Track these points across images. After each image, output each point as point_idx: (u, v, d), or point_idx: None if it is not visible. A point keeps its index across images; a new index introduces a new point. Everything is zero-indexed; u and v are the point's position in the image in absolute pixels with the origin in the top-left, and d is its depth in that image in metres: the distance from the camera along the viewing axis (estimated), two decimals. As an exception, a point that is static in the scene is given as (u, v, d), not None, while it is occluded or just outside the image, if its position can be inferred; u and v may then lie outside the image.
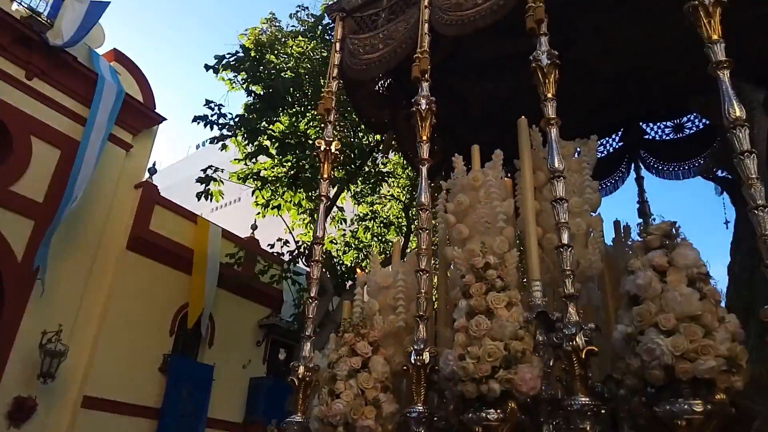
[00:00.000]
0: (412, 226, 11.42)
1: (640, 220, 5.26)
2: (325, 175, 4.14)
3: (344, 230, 13.43)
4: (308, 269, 12.72)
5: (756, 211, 2.70)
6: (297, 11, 12.15)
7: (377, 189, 13.00)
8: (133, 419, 11.09)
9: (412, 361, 3.11)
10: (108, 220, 11.41)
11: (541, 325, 3.14)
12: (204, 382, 12.29)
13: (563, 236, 3.06)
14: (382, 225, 13.35)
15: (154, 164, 12.52)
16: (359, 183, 12.62)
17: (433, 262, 3.82)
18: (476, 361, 2.81)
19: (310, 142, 11.85)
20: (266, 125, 11.85)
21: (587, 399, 2.72)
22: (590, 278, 3.49)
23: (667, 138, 5.83)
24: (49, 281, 9.77)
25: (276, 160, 12.27)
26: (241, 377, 13.16)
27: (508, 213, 3.45)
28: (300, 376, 3.43)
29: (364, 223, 13.23)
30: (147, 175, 12.35)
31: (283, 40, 12.20)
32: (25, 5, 10.54)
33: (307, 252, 12.44)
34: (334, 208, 12.70)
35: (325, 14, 9.33)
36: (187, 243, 12.51)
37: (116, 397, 10.82)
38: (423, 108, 3.69)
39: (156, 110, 12.45)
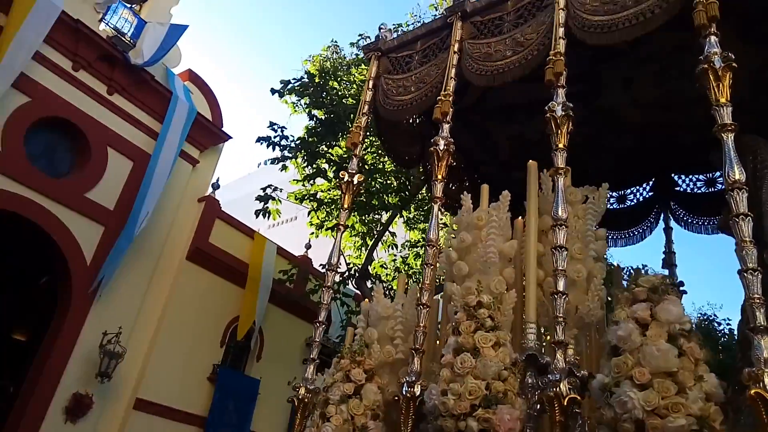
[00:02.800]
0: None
1: (665, 271, 5.24)
2: (345, 205, 4.48)
3: (395, 255, 13.73)
4: (357, 291, 13.17)
5: (746, 274, 2.78)
6: (358, 40, 12.73)
7: (430, 216, 13.24)
8: (180, 425, 11.65)
9: (403, 393, 3.34)
10: (171, 230, 12.20)
11: (531, 368, 3.29)
12: (250, 395, 12.79)
13: (559, 284, 3.23)
14: (433, 252, 13.52)
15: (217, 180, 13.32)
16: (412, 209, 12.92)
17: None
18: (457, 398, 3.02)
19: (367, 167, 12.33)
20: (325, 149, 12.46)
21: (565, 446, 2.86)
22: (588, 325, 3.60)
23: (699, 191, 5.81)
24: (113, 284, 10.56)
25: (333, 183, 12.82)
26: (285, 394, 13.51)
27: (510, 254, 3.63)
28: (300, 397, 3.73)
29: (415, 249, 13.49)
30: (210, 189, 13.17)
31: (345, 67, 12.80)
32: (111, 26, 11.63)
33: (357, 274, 12.86)
34: (386, 233, 13.04)
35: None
36: (243, 257, 13.18)
37: (166, 402, 11.43)
38: (441, 148, 3.97)
39: (223, 129, 13.30)
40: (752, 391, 2.44)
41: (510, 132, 5.30)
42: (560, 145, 3.47)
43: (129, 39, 11.81)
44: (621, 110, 4.96)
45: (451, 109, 4.09)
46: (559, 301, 3.13)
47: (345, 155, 12.83)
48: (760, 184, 3.67)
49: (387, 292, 12.95)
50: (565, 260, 3.21)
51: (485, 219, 3.68)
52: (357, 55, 13.07)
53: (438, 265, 4.04)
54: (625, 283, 3.98)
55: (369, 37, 13.07)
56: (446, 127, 4.05)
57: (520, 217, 3.97)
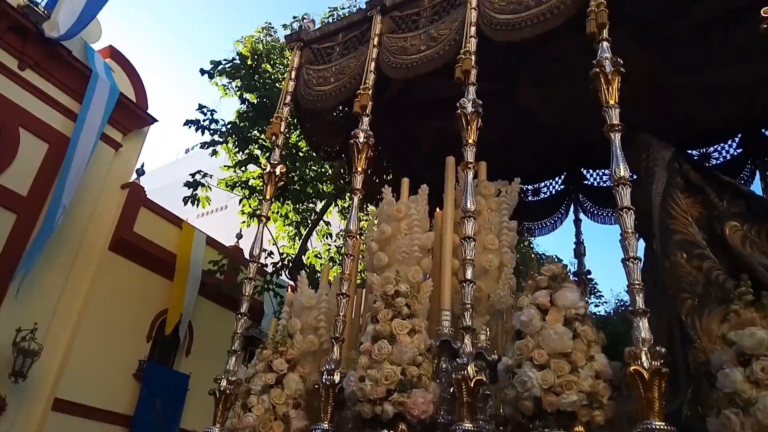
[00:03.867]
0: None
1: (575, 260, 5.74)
2: (267, 196, 4.66)
3: (330, 245, 13.92)
4: (291, 282, 13.31)
5: (628, 262, 3.16)
6: (292, 23, 12.75)
7: (365, 206, 13.52)
8: (104, 426, 11.49)
9: (323, 380, 3.59)
10: (92, 218, 11.91)
11: (444, 353, 3.60)
12: (179, 391, 12.74)
13: (467, 272, 3.54)
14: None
15: (142, 165, 13.11)
16: (347, 198, 13.14)
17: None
18: (374, 383, 3.29)
19: (301, 154, 12.44)
20: (258, 134, 12.44)
21: (471, 425, 3.18)
22: (499, 312, 3.95)
23: (604, 185, 6.36)
24: (28, 277, 10.18)
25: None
26: (217, 389, 13.58)
27: (428, 245, 3.93)
28: (221, 389, 3.92)
29: (351, 238, 13.72)
30: (135, 176, 12.95)
31: (279, 50, 12.80)
32: (24, -6, 11.10)
33: (291, 264, 12.99)
34: (321, 223, 13.21)
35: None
36: (170, 248, 13.07)
37: (88, 401, 11.23)
38: (360, 141, 4.22)
39: (148, 111, 13.05)
40: (631, 368, 2.83)
41: (432, 126, 5.63)
42: (470, 141, 3.78)
43: (43, 9, 11.29)
44: (535, 108, 5.40)
45: (370, 102, 4.34)
46: (468, 289, 3.43)
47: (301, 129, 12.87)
48: (651, 181, 4.11)
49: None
50: (473, 250, 3.51)
51: (405, 211, 3.96)
52: (290, 38, 13.10)
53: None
54: None
55: (306, 17, 13.11)
56: (366, 120, 4.30)
57: (438, 209, 4.28)
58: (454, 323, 3.74)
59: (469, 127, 3.83)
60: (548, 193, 6.88)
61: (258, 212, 12.73)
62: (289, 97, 5.02)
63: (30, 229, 10.57)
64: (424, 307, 3.71)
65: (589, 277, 6.66)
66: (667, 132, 4.80)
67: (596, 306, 21.30)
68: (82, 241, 11.69)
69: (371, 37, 4.64)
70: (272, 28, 13.31)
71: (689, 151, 6.00)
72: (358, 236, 4.05)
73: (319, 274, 13.36)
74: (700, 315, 3.71)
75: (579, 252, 6.38)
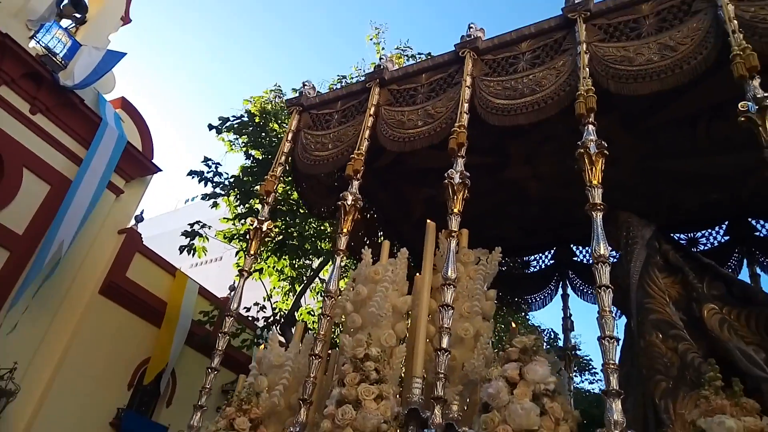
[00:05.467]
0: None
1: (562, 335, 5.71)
2: (252, 251, 4.71)
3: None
4: (281, 337, 13.16)
5: (604, 341, 3.16)
6: (302, 86, 13.11)
7: (354, 266, 13.53)
8: (75, 474, 11.18)
9: (287, 443, 3.52)
10: (86, 261, 11.91)
11: (412, 422, 3.54)
12: (156, 444, 12.42)
13: (443, 340, 3.53)
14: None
15: (142, 212, 13.24)
16: (344, 258, 13.16)
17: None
18: (335, 450, 3.22)
19: (302, 210, 12.56)
20: (260, 189, 12.60)
21: (434, 499, 3.10)
22: (473, 382, 3.91)
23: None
24: (14, 315, 10.08)
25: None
26: (195, 444, 13.21)
27: (403, 308, 3.94)
28: (183, 445, 3.83)
29: (343, 298, 13.65)
30: (133, 221, 13.05)
31: (287, 111, 13.15)
32: (43, 44, 11.62)
33: (282, 320, 12.89)
34: (316, 280, 13.19)
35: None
36: (161, 295, 13.01)
37: (60, 449, 10.94)
38: (348, 203, 4.30)
39: (153, 160, 13.30)
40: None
41: (423, 194, 5.75)
42: (455, 210, 3.87)
43: (60, 60, 11.81)
44: (525, 183, 5.52)
45: (362, 168, 4.47)
46: (442, 358, 3.42)
47: (280, 197, 13.04)
48: (630, 258, 4.16)
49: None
50: (450, 318, 3.52)
51: (381, 273, 3.99)
52: (299, 100, 13.49)
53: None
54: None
55: (314, 86, 13.54)
56: (356, 183, 4.41)
57: (418, 273, 4.31)
58: (428, 391, 3.70)
59: (455, 197, 3.92)
60: (538, 267, 6.92)
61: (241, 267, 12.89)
62: (284, 158, 5.16)
63: (21, 268, 10.57)
64: (396, 372, 3.68)
65: (578, 352, 6.62)
66: (655, 216, 4.89)
67: (590, 383, 20.88)
68: (73, 282, 11.64)
69: (368, 107, 4.81)
70: (281, 90, 13.73)
71: (678, 236, 6.06)
72: (336, 296, 4.06)
73: (312, 331, 13.26)
74: (674, 398, 3.66)
75: (566, 327, 6.38)
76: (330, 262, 13.21)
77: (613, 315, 3.23)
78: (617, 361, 3.13)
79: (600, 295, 3.27)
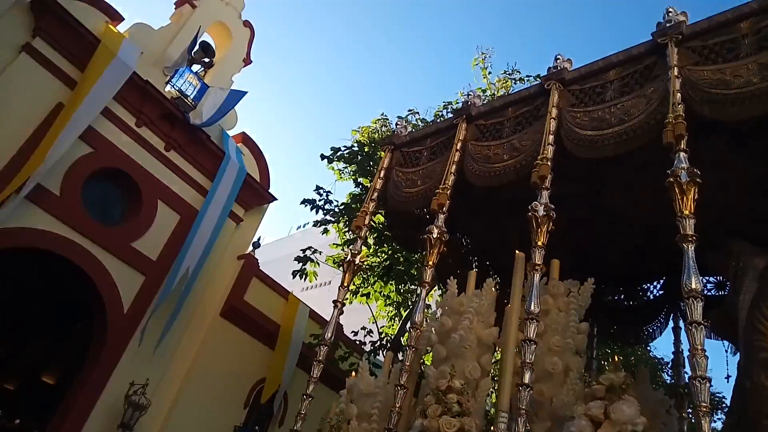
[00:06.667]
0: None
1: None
2: (345, 283, 4.91)
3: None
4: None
5: (695, 381, 3.00)
6: (407, 115, 13.49)
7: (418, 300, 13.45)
8: (199, 486, 11.89)
9: (373, 470, 3.63)
10: (210, 285, 12.84)
11: (498, 458, 3.53)
12: (269, 461, 12.96)
13: (525, 376, 3.50)
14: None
15: (258, 239, 14.08)
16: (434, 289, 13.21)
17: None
18: (416, 482, 3.28)
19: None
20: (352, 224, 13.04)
21: None
22: (562, 418, 3.80)
23: (708, 293, 5.91)
24: (149, 335, 11.12)
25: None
26: (305, 463, 13.61)
27: (489, 340, 3.93)
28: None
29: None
30: (251, 248, 13.91)
31: (389, 142, 13.54)
32: (177, 88, 12.90)
33: (389, 345, 13.11)
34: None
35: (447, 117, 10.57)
36: (276, 318, 13.67)
37: (184, 462, 11.67)
38: (434, 237, 4.39)
39: (269, 190, 14.20)
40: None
41: (518, 224, 5.65)
42: (539, 243, 3.82)
43: (191, 101, 13.03)
44: (625, 210, 5.26)
45: (448, 201, 4.54)
46: (524, 393, 3.38)
47: (386, 223, 13.36)
48: (738, 290, 3.85)
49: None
50: (533, 353, 3.47)
51: (466, 304, 4.01)
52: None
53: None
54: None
55: (417, 113, 13.87)
56: (441, 217, 4.49)
57: (508, 304, 4.27)
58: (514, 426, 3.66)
59: (540, 230, 3.89)
60: (647, 298, 6.55)
61: (336, 298, 13.23)
62: (375, 194, 5.37)
63: (155, 291, 11.64)
64: (481, 405, 3.68)
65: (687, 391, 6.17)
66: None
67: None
68: (199, 305, 12.57)
69: (455, 142, 4.91)
70: (387, 119, 14.18)
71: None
72: (422, 328, 4.14)
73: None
74: (785, 449, 3.36)
75: (677, 362, 5.97)
76: (435, 287, 13.30)
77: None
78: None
79: (690, 332, 3.11)
